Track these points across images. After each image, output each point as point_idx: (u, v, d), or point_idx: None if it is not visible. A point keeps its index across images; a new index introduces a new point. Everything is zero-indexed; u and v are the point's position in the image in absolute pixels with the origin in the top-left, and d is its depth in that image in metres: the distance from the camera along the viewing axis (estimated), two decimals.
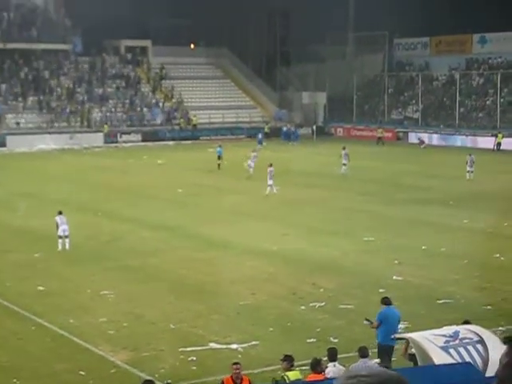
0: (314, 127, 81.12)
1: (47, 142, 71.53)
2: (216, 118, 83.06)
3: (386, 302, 16.91)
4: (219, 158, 52.35)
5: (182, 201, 39.24)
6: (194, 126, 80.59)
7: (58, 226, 29.22)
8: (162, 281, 24.21)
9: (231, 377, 14.15)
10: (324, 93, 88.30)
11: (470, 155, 49.23)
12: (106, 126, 75.25)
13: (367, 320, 17.03)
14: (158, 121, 79.56)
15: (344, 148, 50.38)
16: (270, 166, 41.63)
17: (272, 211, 36.13)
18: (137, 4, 78.72)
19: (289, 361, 14.20)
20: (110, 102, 79.94)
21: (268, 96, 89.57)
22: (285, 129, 76.99)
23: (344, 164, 49.63)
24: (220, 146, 53.45)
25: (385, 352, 16.44)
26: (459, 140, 73.49)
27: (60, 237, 29.05)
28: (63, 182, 47.27)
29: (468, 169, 48.69)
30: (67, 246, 28.99)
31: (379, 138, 74.10)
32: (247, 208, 37.14)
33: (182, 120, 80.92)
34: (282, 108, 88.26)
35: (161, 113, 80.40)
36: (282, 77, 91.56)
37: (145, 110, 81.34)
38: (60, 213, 29.89)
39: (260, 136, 70.82)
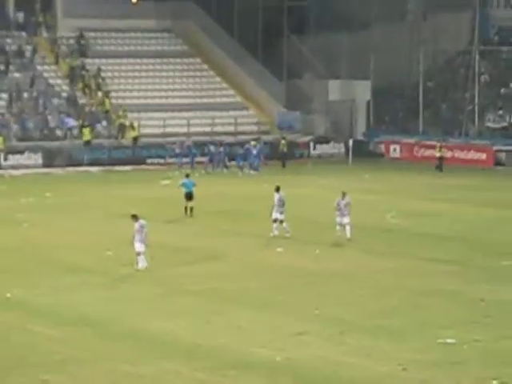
0: (350, 142, 66.40)
1: None
2: (175, 127, 67.51)
3: None
4: (189, 196, 43.24)
5: (114, 272, 32.78)
6: (135, 139, 64.28)
7: None
8: None
9: None
10: (367, 82, 72.00)
11: None
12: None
13: None
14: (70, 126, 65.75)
15: None
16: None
17: (277, 292, 30.17)
18: None
19: None
20: None
21: (268, 87, 73.41)
22: (211, 148, 63.75)
23: None
24: (188, 176, 44.99)
25: None
26: None
27: None
28: None
29: None
30: None
31: (440, 159, 62.75)
32: (234, 286, 31.01)
33: (86, 130, 64.80)
34: (292, 108, 72.28)
35: (74, 120, 66.19)
36: (292, 55, 74.55)
37: (48, 111, 66.96)
38: None
39: (255, 153, 61.61)
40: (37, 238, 39.89)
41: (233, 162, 63.62)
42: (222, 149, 61.98)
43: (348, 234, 37.19)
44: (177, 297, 29.55)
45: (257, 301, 29.20)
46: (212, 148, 62.60)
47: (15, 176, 59.13)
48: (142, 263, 32.38)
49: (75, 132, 63.93)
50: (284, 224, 38.57)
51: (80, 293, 30.13)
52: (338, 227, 36.96)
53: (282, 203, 39.07)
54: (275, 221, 38.62)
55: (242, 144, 63.43)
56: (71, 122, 64.64)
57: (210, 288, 30.58)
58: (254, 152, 61.37)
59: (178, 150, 62.69)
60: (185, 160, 61.90)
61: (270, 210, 38.97)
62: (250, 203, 46.49)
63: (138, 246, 32.19)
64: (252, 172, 60.29)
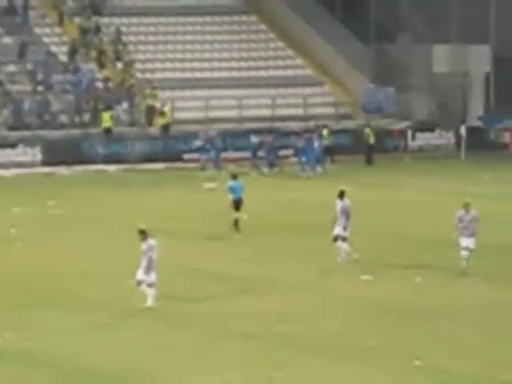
0: (463, 130, 58.89)
1: None
2: (222, 110, 59.95)
3: None
4: (238, 204, 40.70)
5: (137, 309, 30.18)
6: (166, 127, 57.00)
7: None
8: None
9: None
10: (485, 47, 64.07)
11: None
12: None
13: None
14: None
15: None
16: None
17: (364, 336, 27.16)
18: None
19: None
20: None
21: (350, 55, 65.79)
22: (253, 140, 55.76)
23: None
24: (235, 178, 41.75)
25: None
26: None
27: None
28: None
29: None
30: None
31: None
32: (305, 329, 28.14)
33: (106, 114, 58.28)
34: (383, 83, 63.88)
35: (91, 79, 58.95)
36: (382, 10, 66.29)
37: (49, 83, 59.66)
38: None
39: (316, 146, 55.30)
40: (33, 261, 35.91)
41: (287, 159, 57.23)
42: (270, 139, 54.43)
43: (467, 257, 35.64)
44: (225, 343, 26.25)
45: (337, 348, 26.28)
46: (254, 139, 54.99)
47: (5, 178, 54.31)
48: (150, 299, 30.19)
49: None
50: (346, 244, 35.83)
51: (91, 338, 27.06)
52: (462, 252, 33.12)
53: (347, 215, 36.12)
54: (336, 239, 35.55)
55: (300, 133, 55.45)
56: (88, 72, 57.37)
57: (270, 331, 27.15)
58: (316, 144, 54.00)
59: (199, 143, 54.99)
60: (209, 156, 56.10)
61: (332, 223, 36.53)
62: (316, 214, 40.72)
63: (147, 275, 30.13)
64: (311, 172, 54.15)
